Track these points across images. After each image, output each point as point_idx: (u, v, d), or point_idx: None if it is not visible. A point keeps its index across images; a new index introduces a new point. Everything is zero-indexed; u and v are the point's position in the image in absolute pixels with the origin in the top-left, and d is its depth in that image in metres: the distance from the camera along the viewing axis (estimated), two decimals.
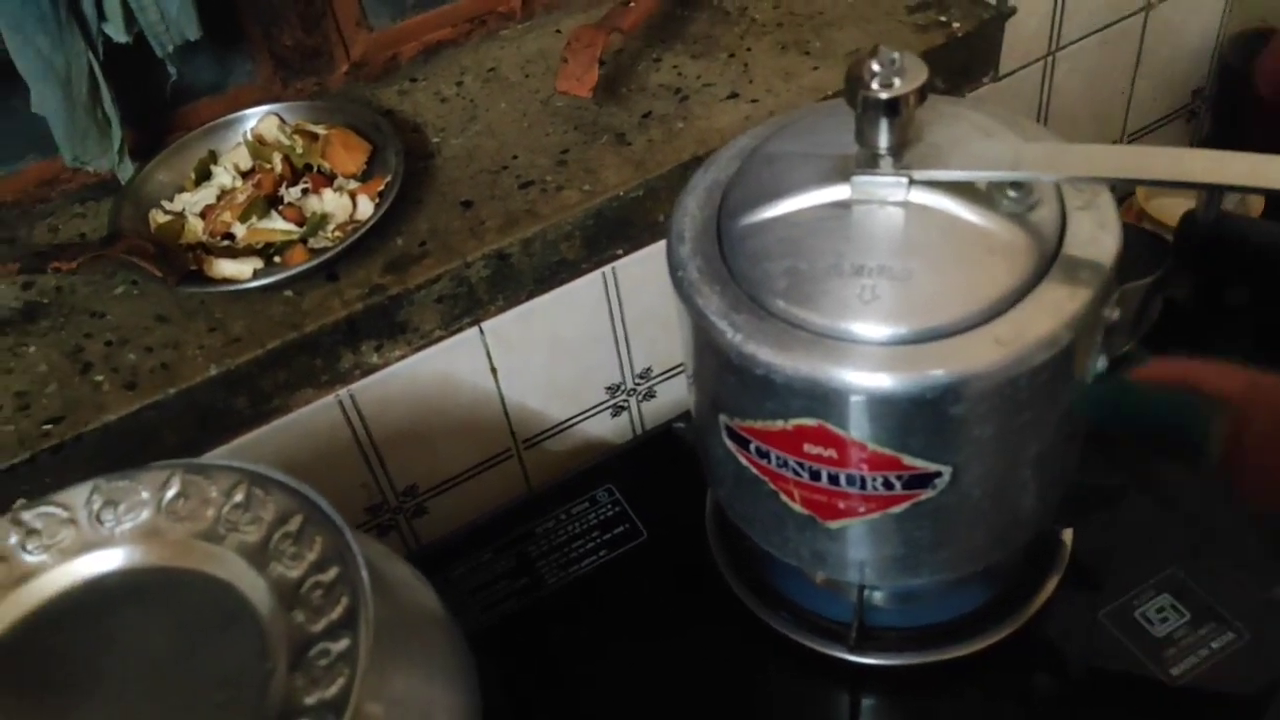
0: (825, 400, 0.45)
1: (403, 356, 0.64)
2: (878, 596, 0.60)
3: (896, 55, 0.43)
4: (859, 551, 0.52)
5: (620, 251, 0.67)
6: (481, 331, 0.65)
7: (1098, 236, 0.46)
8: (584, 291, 0.68)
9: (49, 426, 0.55)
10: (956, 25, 0.71)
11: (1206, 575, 0.58)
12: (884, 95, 0.43)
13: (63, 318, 0.60)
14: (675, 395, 0.77)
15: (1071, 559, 0.60)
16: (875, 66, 0.44)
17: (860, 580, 0.54)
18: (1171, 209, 0.79)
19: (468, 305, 0.64)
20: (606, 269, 0.67)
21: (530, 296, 0.66)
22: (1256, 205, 0.73)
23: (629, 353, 0.73)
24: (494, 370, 0.68)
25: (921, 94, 0.44)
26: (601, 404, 0.75)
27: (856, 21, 0.73)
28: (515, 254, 0.63)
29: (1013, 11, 0.70)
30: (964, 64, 0.72)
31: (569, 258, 0.65)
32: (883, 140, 0.45)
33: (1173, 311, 0.48)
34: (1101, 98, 0.81)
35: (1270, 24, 0.78)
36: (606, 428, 0.76)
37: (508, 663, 0.61)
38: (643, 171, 0.66)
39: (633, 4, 0.67)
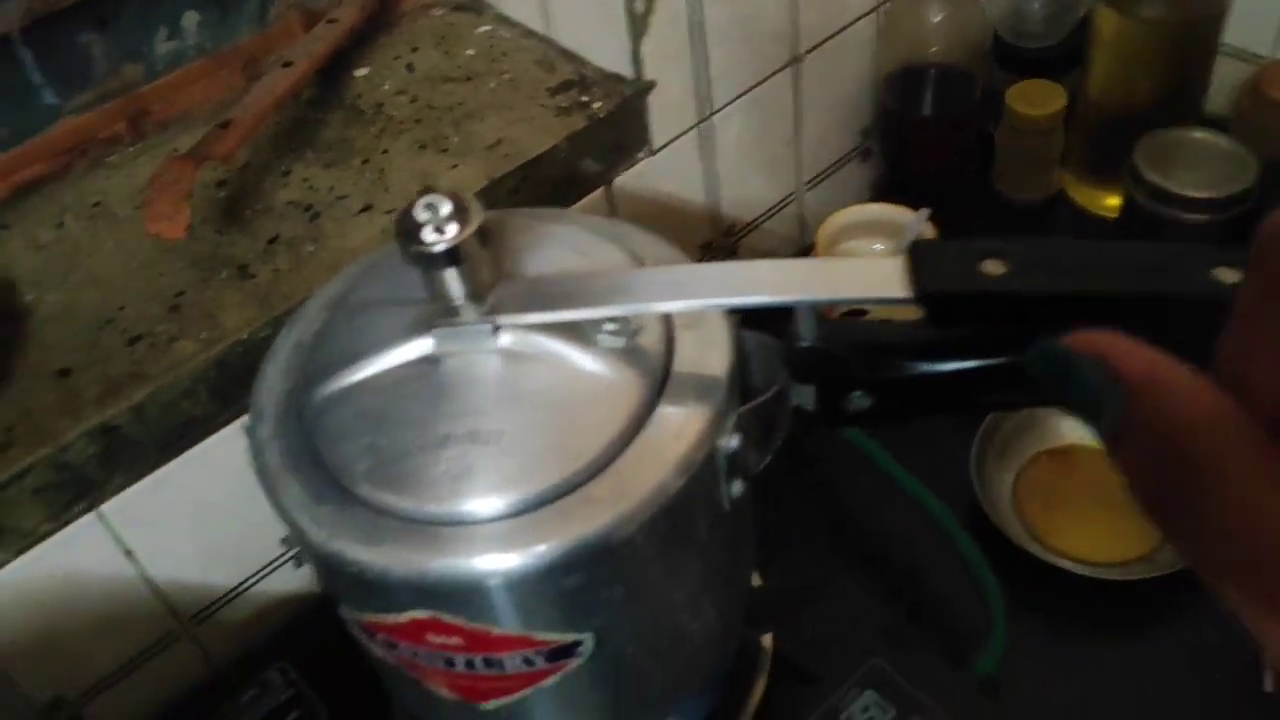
0: (428, 592, 0.39)
1: (5, 563, 0.54)
2: None
3: (443, 200, 0.39)
4: None
5: None
6: (101, 516, 0.57)
7: (706, 359, 0.42)
8: (224, 446, 0.60)
9: None
10: (598, 105, 0.67)
11: (906, 661, 0.56)
12: (439, 247, 0.38)
13: None
14: None
15: (774, 661, 0.57)
16: (422, 216, 0.38)
17: None
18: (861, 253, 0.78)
19: (77, 490, 0.55)
20: (245, 418, 0.60)
21: (158, 465, 0.58)
22: None
23: None
24: (129, 553, 0.59)
25: (483, 235, 0.39)
26: (279, 558, 0.67)
27: (498, 109, 0.69)
28: (126, 423, 0.55)
29: (651, 85, 0.67)
30: (615, 143, 0.69)
31: (196, 415, 0.58)
32: (455, 290, 0.40)
33: (804, 419, 0.45)
34: (770, 151, 0.79)
35: (919, 61, 0.78)
36: (292, 580, 0.68)
37: None
38: (268, 308, 0.59)
39: (234, 123, 0.60)
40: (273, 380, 0.45)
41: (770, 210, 0.83)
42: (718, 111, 0.72)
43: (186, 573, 0.63)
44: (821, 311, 0.42)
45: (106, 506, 0.57)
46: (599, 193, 0.70)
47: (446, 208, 0.38)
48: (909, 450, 0.66)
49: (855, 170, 0.87)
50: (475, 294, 0.41)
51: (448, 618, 0.40)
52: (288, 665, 0.61)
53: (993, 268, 0.37)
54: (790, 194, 0.83)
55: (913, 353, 0.41)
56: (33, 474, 0.53)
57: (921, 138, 0.82)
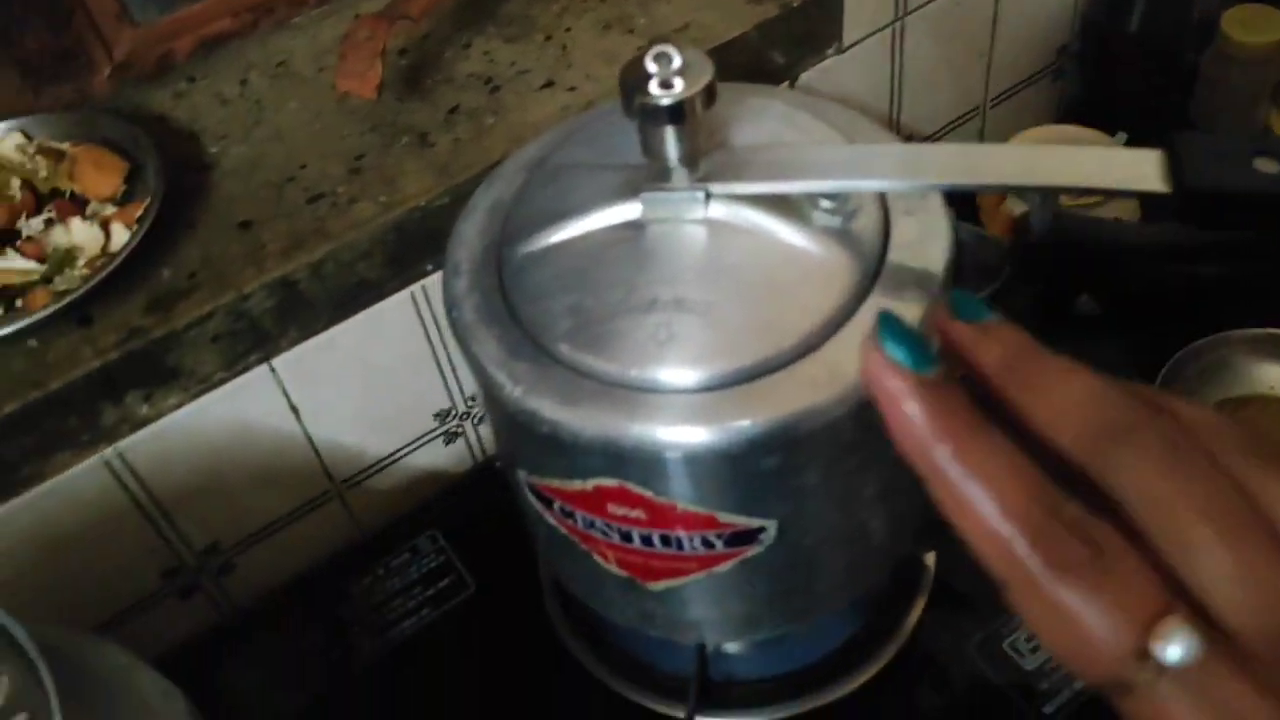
0: (621, 459, 0.38)
1: (180, 405, 0.55)
2: (731, 645, 0.54)
3: (675, 52, 0.37)
4: (689, 612, 0.46)
5: (430, 267, 0.59)
6: (273, 369, 0.58)
7: (925, 247, 0.40)
8: (394, 313, 0.60)
9: None
10: None
11: None
12: (665, 101, 0.37)
13: None
14: None
15: (935, 582, 0.55)
16: (651, 67, 0.37)
17: (697, 639, 0.48)
18: None
19: (253, 341, 0.56)
20: (416, 287, 0.60)
21: (329, 325, 0.58)
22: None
23: (455, 375, 0.65)
24: (295, 409, 0.60)
25: (709, 94, 0.37)
26: (431, 432, 0.67)
27: None
28: (303, 280, 0.55)
29: None
30: (804, 35, 0.66)
31: (370, 278, 0.58)
32: (671, 151, 0.38)
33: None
34: (959, 61, 0.75)
35: None
36: (441, 456, 0.69)
37: None
38: (447, 177, 0.58)
39: None
40: (469, 237, 0.44)
41: (950, 124, 0.79)
42: (914, 11, 0.69)
43: (344, 435, 0.63)
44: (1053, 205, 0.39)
45: (278, 360, 0.58)
46: (782, 88, 0.67)
47: (677, 61, 0.36)
48: None
49: (1045, 90, 0.82)
50: (689, 158, 0.39)
51: (635, 488, 0.39)
52: (438, 534, 0.62)
53: (1266, 165, 0.34)
54: (974, 109, 0.79)
55: (1159, 255, 0.38)
56: (213, 320, 0.54)
57: (1124, 57, 0.77)
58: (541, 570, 0.58)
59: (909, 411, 0.23)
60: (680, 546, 0.41)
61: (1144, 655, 0.20)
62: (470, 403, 0.67)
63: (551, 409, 0.38)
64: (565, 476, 0.41)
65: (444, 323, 0.62)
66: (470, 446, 0.70)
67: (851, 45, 0.68)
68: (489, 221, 0.44)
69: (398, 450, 0.67)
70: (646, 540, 0.41)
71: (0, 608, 0.37)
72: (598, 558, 0.44)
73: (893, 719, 0.52)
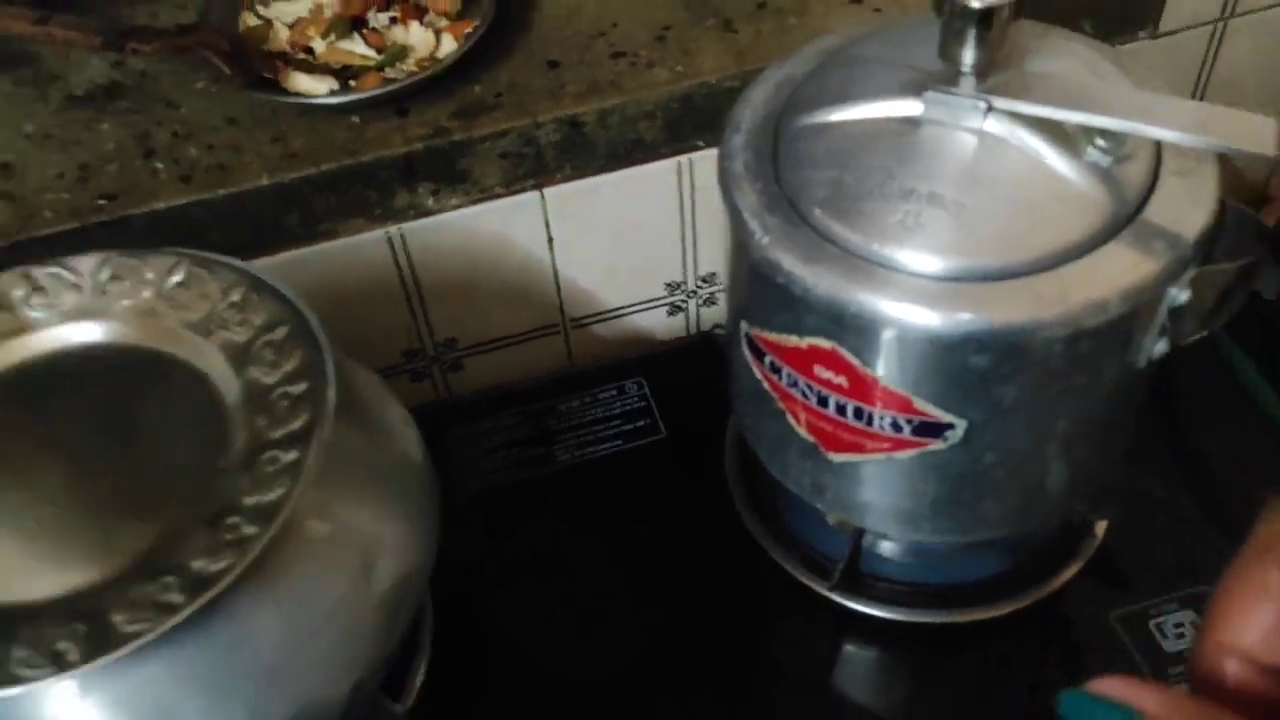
0: (840, 322, 0.42)
1: (459, 206, 0.63)
2: (885, 547, 0.57)
3: None
4: (859, 492, 0.49)
5: (702, 143, 0.64)
6: (543, 197, 0.64)
7: (1186, 208, 0.41)
8: (657, 178, 0.65)
9: (102, 202, 0.56)
10: None
11: None
12: (975, 4, 0.39)
13: (140, 102, 0.61)
14: None
15: (1099, 550, 0.56)
16: None
17: (859, 522, 0.52)
18: None
19: (533, 167, 0.62)
20: (684, 158, 0.65)
21: (600, 171, 0.64)
22: None
23: (695, 252, 0.70)
24: (550, 240, 0.66)
25: (1017, 8, 0.40)
26: (659, 299, 0.72)
27: None
28: (590, 123, 0.61)
29: None
30: (1120, 11, 0.66)
31: (646, 138, 0.63)
32: (967, 56, 0.41)
33: (1258, 309, 0.43)
34: (1273, 82, 0.73)
35: None
36: (661, 324, 0.74)
37: (498, 522, 0.61)
38: (742, 62, 0.62)
39: None
40: (755, 102, 0.48)
41: None
42: (1242, 15, 0.67)
43: (584, 278, 0.69)
44: None
45: (549, 191, 0.64)
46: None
47: None
48: None
49: None
50: (981, 68, 0.42)
51: (846, 354, 0.43)
52: (644, 381, 0.67)
53: None
54: None
55: None
56: (506, 139, 0.60)
57: None
58: (729, 435, 0.63)
59: None
60: (870, 422, 0.45)
61: None
62: (701, 283, 0.72)
63: (791, 262, 0.42)
64: (785, 331, 0.44)
65: (699, 198, 0.67)
66: (689, 324, 0.74)
67: (1166, 34, 0.67)
68: (776, 93, 0.48)
69: (625, 306, 0.72)
70: (841, 409, 0.45)
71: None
72: (790, 418, 0.48)
73: (1018, 661, 0.54)
